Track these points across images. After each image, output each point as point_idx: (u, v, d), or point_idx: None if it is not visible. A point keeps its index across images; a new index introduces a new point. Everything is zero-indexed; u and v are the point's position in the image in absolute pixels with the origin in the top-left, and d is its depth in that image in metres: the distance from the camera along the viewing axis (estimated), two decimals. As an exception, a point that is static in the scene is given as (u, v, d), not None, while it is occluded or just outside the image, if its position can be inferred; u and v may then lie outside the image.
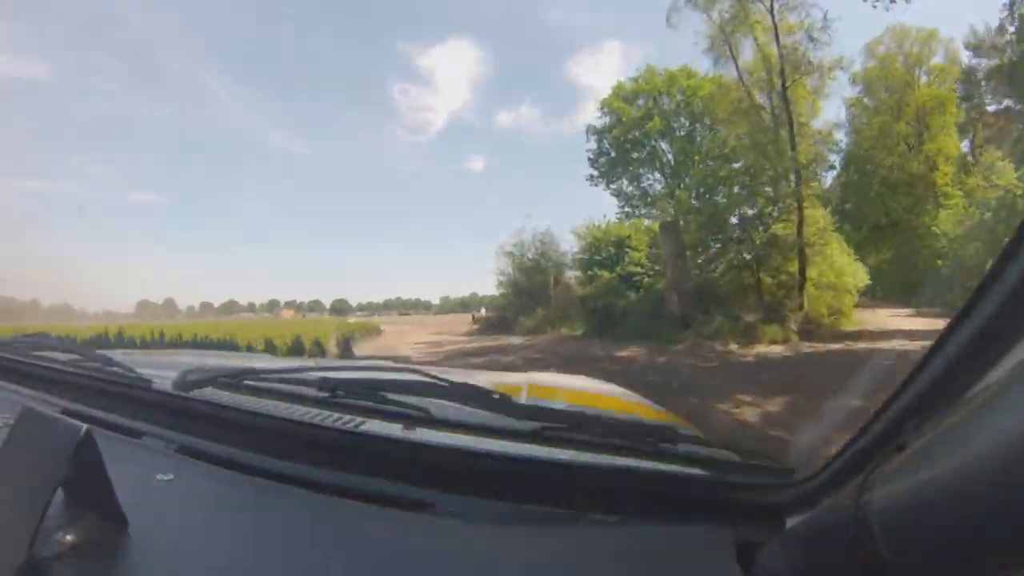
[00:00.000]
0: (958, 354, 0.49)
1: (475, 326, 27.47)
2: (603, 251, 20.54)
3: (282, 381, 1.08)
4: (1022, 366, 0.41)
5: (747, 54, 15.96)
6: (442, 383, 1.03)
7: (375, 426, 0.91)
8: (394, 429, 0.90)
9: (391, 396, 0.99)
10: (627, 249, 19.95)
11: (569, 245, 23.46)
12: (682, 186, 20.75)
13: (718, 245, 17.31)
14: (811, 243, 14.86)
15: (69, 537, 0.56)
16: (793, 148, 14.96)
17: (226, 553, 0.63)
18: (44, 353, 1.26)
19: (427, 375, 1.10)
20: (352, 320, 32.03)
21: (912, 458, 0.47)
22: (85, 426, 0.55)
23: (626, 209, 22.69)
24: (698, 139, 21.04)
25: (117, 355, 1.30)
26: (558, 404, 1.37)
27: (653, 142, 21.72)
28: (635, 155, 22.18)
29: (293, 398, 1.01)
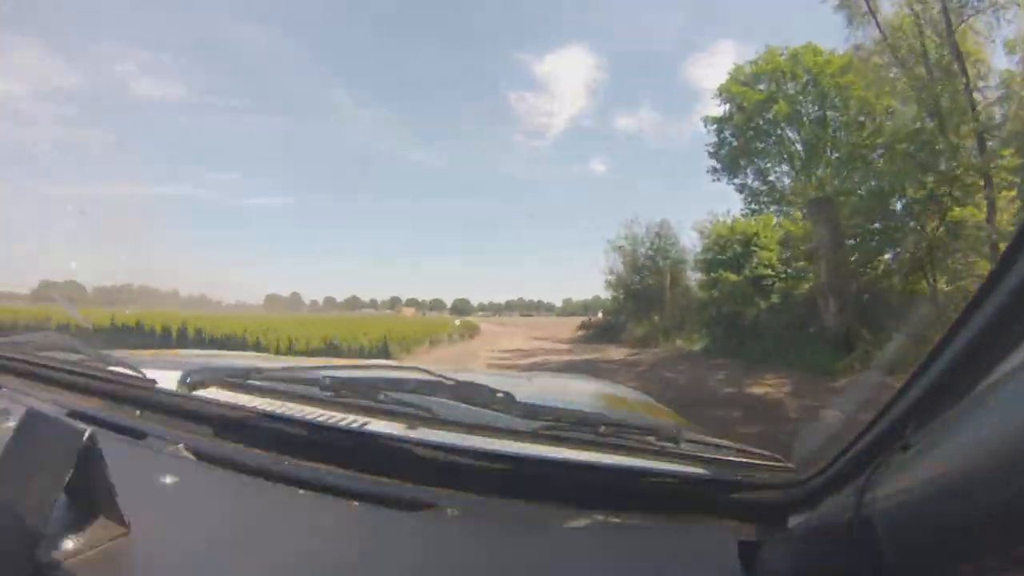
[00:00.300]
0: (960, 355, 0.49)
1: (580, 332, 25.58)
2: (728, 250, 18.08)
3: (286, 381, 1.12)
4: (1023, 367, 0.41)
5: (886, 8, 12.75)
6: (446, 382, 1.04)
7: (379, 425, 0.92)
8: (398, 428, 0.92)
9: (394, 395, 1.00)
10: (755, 248, 17.38)
11: (690, 242, 21.14)
12: (818, 172, 17.53)
13: (875, 238, 13.73)
14: (1006, 236, 10.98)
15: (73, 541, 0.56)
16: (973, 108, 11.40)
17: (230, 553, 0.62)
18: (48, 353, 1.26)
19: (431, 374, 1.11)
20: (458, 321, 30.82)
21: (914, 458, 0.47)
22: (89, 429, 0.55)
23: (752, 206, 19.91)
24: (831, 126, 17.75)
25: (121, 355, 1.31)
26: (561, 403, 1.24)
27: (779, 130, 18.91)
28: (759, 145, 19.44)
29: (297, 398, 1.04)
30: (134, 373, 1.10)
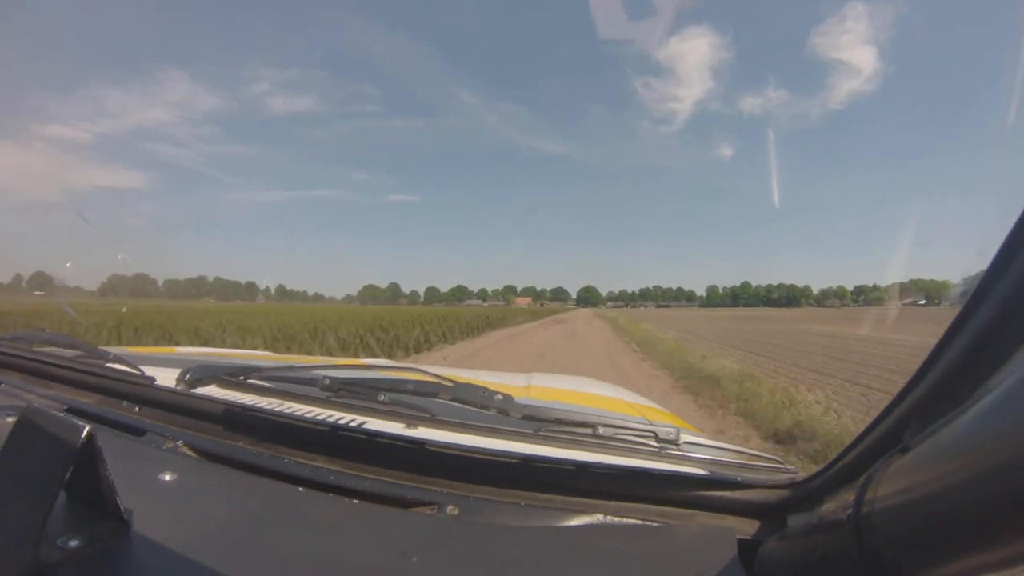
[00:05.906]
0: (960, 357, 0.49)
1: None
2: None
3: (285, 380, 1.10)
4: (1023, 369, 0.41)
5: None
6: (444, 383, 1.03)
7: (377, 425, 0.92)
8: (396, 428, 0.92)
9: (394, 395, 1.00)
10: None
11: None
12: None
13: None
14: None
15: (72, 539, 0.55)
16: None
17: (229, 551, 0.62)
18: (47, 349, 1.26)
19: (430, 375, 1.10)
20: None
21: (914, 459, 0.46)
22: (87, 426, 0.55)
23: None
24: None
25: (119, 351, 1.29)
26: (560, 404, 1.24)
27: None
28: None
29: (296, 397, 1.03)
30: (132, 370, 1.09)
